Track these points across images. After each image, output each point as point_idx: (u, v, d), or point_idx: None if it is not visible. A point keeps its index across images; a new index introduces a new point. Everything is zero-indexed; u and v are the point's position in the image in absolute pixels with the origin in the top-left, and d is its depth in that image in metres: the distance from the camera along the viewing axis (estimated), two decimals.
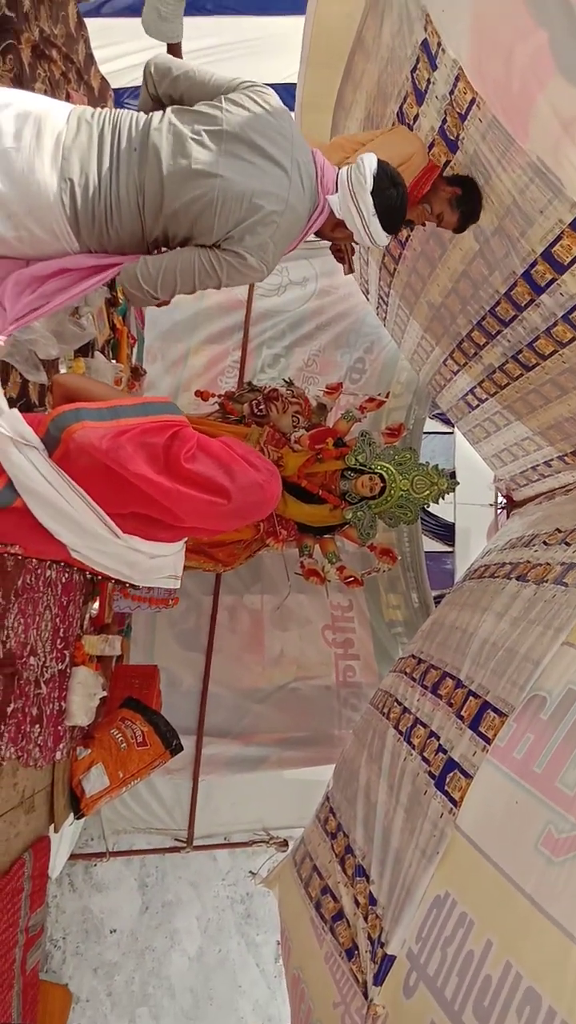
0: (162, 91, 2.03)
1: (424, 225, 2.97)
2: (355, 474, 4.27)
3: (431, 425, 6.53)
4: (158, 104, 2.04)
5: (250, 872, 5.34)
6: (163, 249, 2.01)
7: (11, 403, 2.38)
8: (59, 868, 3.75)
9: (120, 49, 4.34)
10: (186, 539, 2.07)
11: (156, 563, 1.94)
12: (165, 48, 3.03)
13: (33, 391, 2.74)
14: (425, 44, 2.53)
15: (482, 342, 3.48)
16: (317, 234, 2.17)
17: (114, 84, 3.73)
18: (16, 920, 2.83)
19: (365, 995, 2.35)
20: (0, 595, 2.57)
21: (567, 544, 3.12)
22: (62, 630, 3.27)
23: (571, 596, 2.64)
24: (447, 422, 6.37)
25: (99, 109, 1.92)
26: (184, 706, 5.05)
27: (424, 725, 2.99)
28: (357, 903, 2.69)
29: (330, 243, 3.09)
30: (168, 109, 1.93)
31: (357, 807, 3.10)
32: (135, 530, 1.82)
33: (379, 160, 2.05)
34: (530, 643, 2.62)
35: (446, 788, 2.54)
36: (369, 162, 2.02)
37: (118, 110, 1.94)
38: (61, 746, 3.22)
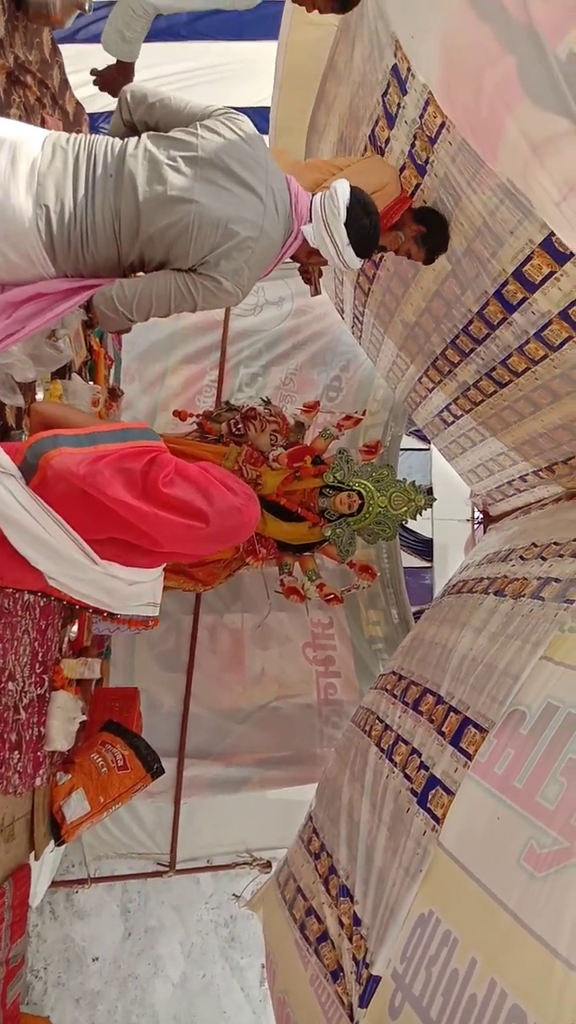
0: (137, 118, 2.05)
1: (396, 252, 3.02)
2: (333, 491, 4.29)
3: (408, 442, 6.57)
4: (132, 131, 2.06)
5: (233, 895, 5.27)
6: (139, 273, 2.03)
7: None
8: (40, 896, 3.69)
9: None
10: (165, 565, 2.07)
11: (134, 590, 1.93)
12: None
13: (10, 414, 2.73)
14: (395, 69, 2.58)
15: (456, 360, 3.52)
16: (293, 258, 2.20)
17: (89, 109, 3.75)
18: None
19: (351, 1017, 2.33)
20: None
21: (543, 559, 3.15)
22: (41, 654, 3.24)
23: (548, 610, 2.66)
24: (423, 439, 6.41)
25: (74, 135, 1.94)
26: (165, 728, 5.00)
27: (406, 742, 2.99)
28: (341, 924, 2.68)
29: (299, 265, 3.13)
30: (143, 135, 1.96)
31: (340, 826, 3.09)
32: (113, 556, 1.82)
33: (352, 187, 2.09)
34: (509, 658, 2.64)
35: (428, 805, 2.54)
36: (342, 192, 2.05)
37: (93, 136, 1.96)
38: (41, 772, 3.18)
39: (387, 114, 2.78)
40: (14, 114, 2.70)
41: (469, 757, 2.47)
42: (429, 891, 2.30)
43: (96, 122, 4.09)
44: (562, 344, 2.75)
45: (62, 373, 3.32)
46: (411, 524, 4.79)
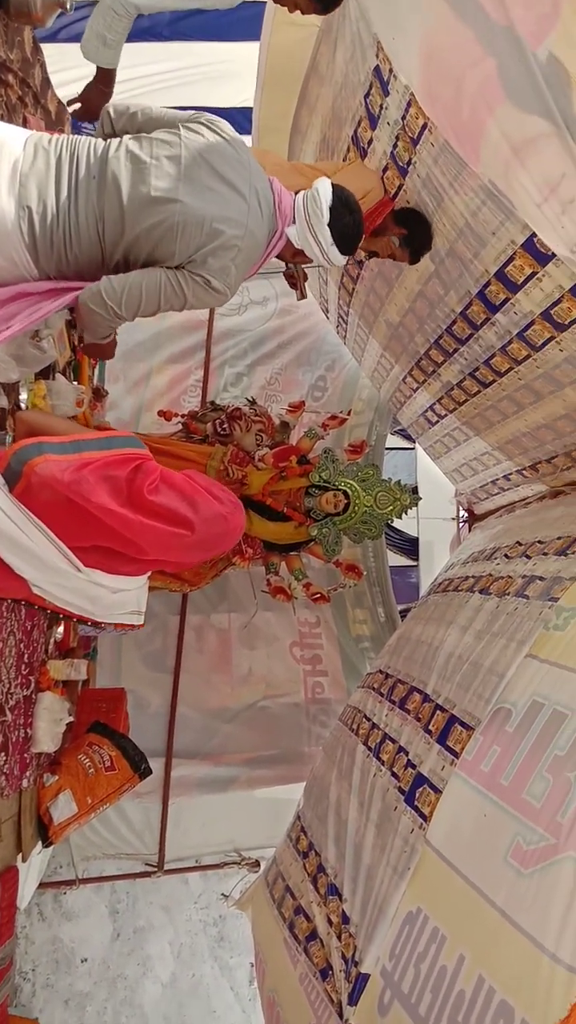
0: (119, 128, 2.05)
1: (380, 255, 3.04)
2: (319, 491, 4.30)
3: (393, 441, 6.59)
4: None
5: (222, 894, 5.27)
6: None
7: None
8: (28, 898, 3.67)
9: (77, 73, 4.30)
10: (149, 573, 2.07)
11: (118, 598, 1.93)
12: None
13: None
14: (377, 70, 2.59)
15: (440, 360, 3.53)
16: (279, 257, 2.20)
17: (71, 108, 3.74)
18: None
19: (340, 1015, 2.34)
20: None
21: (527, 557, 3.17)
22: (26, 656, 3.23)
23: (532, 608, 2.68)
24: (408, 438, 6.44)
25: (56, 135, 1.93)
26: (152, 728, 4.99)
27: (393, 740, 3.00)
28: (330, 922, 2.69)
29: (284, 268, 3.14)
30: (125, 136, 1.95)
31: (328, 825, 3.10)
32: (97, 563, 1.81)
33: (334, 185, 2.09)
34: (494, 656, 2.65)
35: (416, 803, 2.55)
36: (324, 193, 2.06)
37: (75, 136, 1.95)
38: (28, 773, 3.17)
39: (369, 115, 2.79)
40: None
41: (456, 755, 2.49)
42: (417, 889, 2.32)
43: (78, 121, 4.07)
44: (544, 344, 2.77)
45: (46, 373, 3.30)
46: (397, 523, 4.81)
